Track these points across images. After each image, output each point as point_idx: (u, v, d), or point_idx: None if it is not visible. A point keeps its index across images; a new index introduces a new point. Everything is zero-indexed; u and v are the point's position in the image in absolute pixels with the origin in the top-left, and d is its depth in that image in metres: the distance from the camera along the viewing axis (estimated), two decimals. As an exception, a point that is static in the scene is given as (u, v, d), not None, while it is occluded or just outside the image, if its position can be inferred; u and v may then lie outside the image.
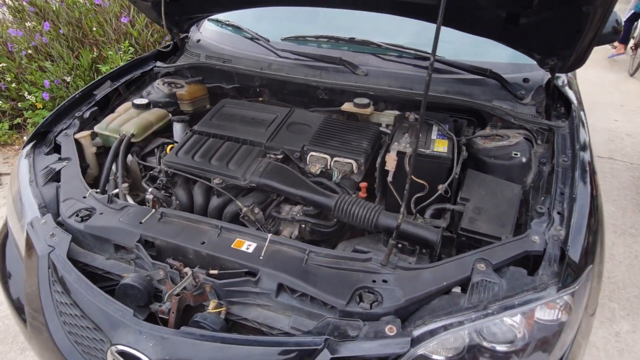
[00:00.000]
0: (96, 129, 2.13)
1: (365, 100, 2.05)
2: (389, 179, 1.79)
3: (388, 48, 2.23)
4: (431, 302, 1.32)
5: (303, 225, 1.74)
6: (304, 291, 1.34)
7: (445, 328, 1.23)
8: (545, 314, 1.28)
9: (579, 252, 1.37)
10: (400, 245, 1.59)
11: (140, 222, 1.57)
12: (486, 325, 1.24)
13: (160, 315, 1.43)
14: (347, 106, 2.09)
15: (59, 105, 2.18)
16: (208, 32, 2.72)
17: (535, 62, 2.08)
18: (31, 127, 4.06)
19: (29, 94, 3.96)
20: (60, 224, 1.66)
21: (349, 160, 1.79)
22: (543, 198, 1.57)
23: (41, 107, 4.06)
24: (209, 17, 2.69)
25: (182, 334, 1.27)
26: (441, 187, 1.69)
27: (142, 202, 1.89)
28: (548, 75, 2.09)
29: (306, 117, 2.04)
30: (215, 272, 1.41)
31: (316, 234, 1.74)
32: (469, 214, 1.58)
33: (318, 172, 1.81)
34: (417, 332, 1.24)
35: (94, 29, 4.25)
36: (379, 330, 1.23)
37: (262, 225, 1.72)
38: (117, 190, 1.88)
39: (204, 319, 1.33)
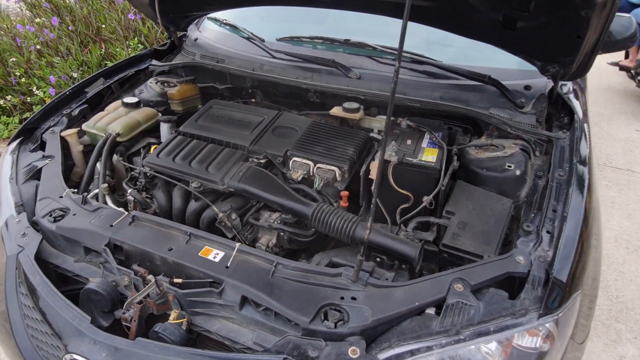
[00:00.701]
0: (84, 126, 2.11)
1: (355, 105, 1.97)
2: (373, 187, 1.70)
3: (383, 50, 2.15)
4: (402, 324, 1.24)
5: (282, 234, 1.68)
6: (268, 305, 1.27)
7: (412, 353, 1.15)
8: (525, 340, 1.19)
9: (566, 276, 1.27)
10: (378, 260, 1.51)
11: (111, 225, 1.53)
12: (459, 352, 1.16)
13: (124, 323, 1.39)
14: (336, 110, 2.01)
15: (48, 102, 2.16)
16: (206, 31, 2.68)
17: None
18: (39, 121, 4.10)
19: (38, 88, 3.99)
20: (34, 224, 1.63)
21: (332, 167, 1.72)
22: (533, 215, 1.47)
23: (50, 102, 4.09)
24: (208, 16, 2.65)
25: (137, 346, 1.21)
26: (426, 199, 1.60)
27: (127, 204, 1.86)
28: (552, 83, 1.98)
29: (293, 121, 1.98)
30: (180, 280, 1.36)
31: (294, 243, 1.67)
32: (452, 229, 1.49)
33: (299, 178, 1.74)
34: (382, 356, 1.16)
35: (104, 26, 4.27)
36: (341, 352, 1.16)
37: (239, 232, 1.67)
38: (96, 191, 1.85)
39: (163, 329, 1.28)
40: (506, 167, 1.69)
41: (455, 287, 1.27)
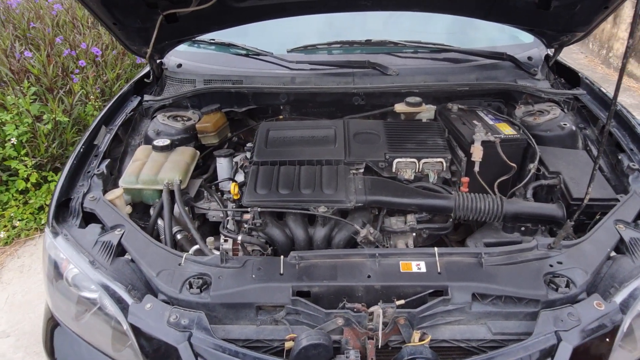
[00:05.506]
0: (123, 184, 1.78)
1: (418, 99, 2.05)
2: (476, 169, 1.81)
3: (405, 45, 2.25)
4: (601, 271, 1.41)
5: (414, 234, 1.69)
6: (500, 293, 1.31)
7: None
8: None
9: None
10: (523, 228, 1.65)
11: (281, 274, 1.38)
12: None
13: (350, 368, 1.28)
14: (400, 107, 2.06)
15: (67, 168, 1.76)
16: (186, 55, 2.44)
17: (530, 42, 2.31)
18: None
19: None
20: (166, 303, 1.37)
21: (439, 159, 1.78)
22: (621, 157, 1.77)
23: None
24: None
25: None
26: (532, 166, 1.78)
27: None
28: (544, 52, 2.34)
29: (364, 126, 1.97)
30: (402, 302, 1.31)
31: (431, 238, 1.71)
32: (570, 184, 1.71)
33: (412, 177, 1.77)
34: (618, 300, 1.31)
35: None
36: (590, 309, 1.27)
37: (380, 243, 1.64)
38: (196, 247, 1.62)
39: (419, 353, 1.22)
40: (563, 125, 1.97)
41: (619, 227, 1.48)
